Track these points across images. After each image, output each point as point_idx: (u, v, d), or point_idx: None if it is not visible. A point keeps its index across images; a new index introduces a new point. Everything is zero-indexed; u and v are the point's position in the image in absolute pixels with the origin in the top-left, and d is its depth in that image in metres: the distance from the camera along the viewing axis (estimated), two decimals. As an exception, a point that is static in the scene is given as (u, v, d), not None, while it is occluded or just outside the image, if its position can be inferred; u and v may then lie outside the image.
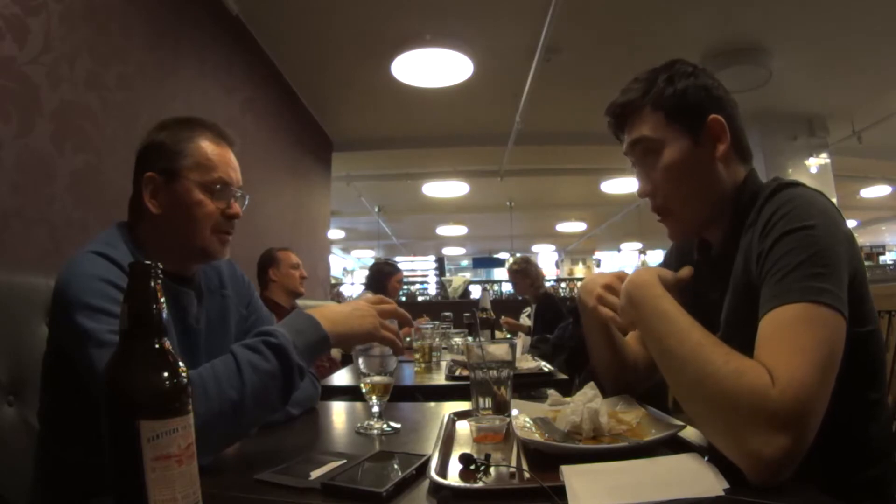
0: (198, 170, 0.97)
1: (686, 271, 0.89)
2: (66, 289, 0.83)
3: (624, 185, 6.53)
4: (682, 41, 3.59)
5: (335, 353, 3.17)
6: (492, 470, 0.69)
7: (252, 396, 0.79)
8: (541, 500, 0.60)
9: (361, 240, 11.09)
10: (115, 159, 1.97)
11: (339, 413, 1.25)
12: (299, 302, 2.91)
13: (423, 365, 2.09)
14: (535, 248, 13.17)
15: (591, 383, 0.88)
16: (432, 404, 1.30)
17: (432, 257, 13.92)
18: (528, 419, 0.86)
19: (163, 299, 0.51)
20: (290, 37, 3.52)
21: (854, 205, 8.21)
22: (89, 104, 1.90)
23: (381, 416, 1.00)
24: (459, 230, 10.23)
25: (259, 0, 3.06)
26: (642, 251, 12.39)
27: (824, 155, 5.09)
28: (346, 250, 13.04)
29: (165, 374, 0.49)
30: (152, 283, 0.51)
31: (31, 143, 1.64)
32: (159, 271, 0.52)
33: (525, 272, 4.07)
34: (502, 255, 13.21)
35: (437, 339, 2.24)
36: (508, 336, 3.47)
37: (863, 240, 11.96)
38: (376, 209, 8.40)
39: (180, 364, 0.51)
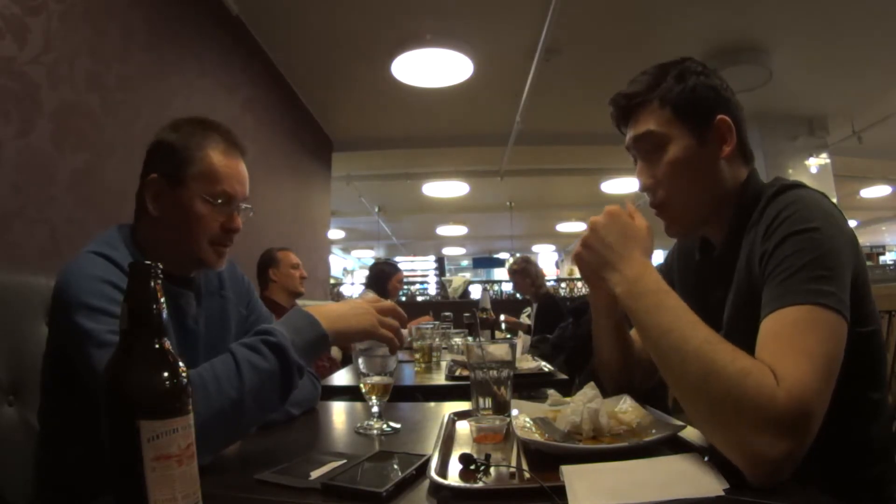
0: (203, 180, 0.96)
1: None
2: (65, 289, 0.83)
3: (624, 185, 6.52)
4: (682, 41, 3.59)
5: (335, 353, 3.17)
6: (492, 470, 0.69)
7: (252, 396, 0.79)
8: (541, 501, 0.59)
9: (361, 240, 11.08)
10: (115, 159, 1.97)
11: (339, 413, 1.25)
12: (299, 302, 2.91)
13: (423, 365, 2.09)
14: (535, 248, 13.16)
15: (592, 383, 0.88)
16: (432, 404, 1.30)
17: (432, 257, 13.91)
18: (528, 419, 0.86)
19: (163, 299, 0.51)
20: (290, 37, 3.52)
21: (854, 205, 8.21)
22: (89, 104, 1.90)
23: (381, 416, 0.99)
24: (459, 230, 10.23)
25: (259, 0, 3.06)
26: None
27: (824, 155, 5.09)
28: (346, 250, 13.03)
29: (165, 373, 0.49)
30: (152, 283, 0.51)
31: (31, 143, 1.64)
32: (159, 271, 0.52)
33: (525, 272, 4.07)
34: (502, 256, 13.20)
35: (437, 339, 2.24)
36: (508, 336, 3.47)
37: (863, 240, 11.92)
38: (376, 209, 8.40)
39: (180, 364, 0.51)
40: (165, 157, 0.97)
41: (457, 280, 9.36)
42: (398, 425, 0.99)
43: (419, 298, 10.66)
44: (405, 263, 12.41)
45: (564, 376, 1.86)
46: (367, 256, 13.07)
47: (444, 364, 2.03)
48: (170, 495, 0.47)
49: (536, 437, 0.78)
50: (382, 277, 3.64)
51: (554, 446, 0.74)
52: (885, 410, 0.85)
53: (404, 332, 1.01)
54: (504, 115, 4.54)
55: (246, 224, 1.04)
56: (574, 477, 0.62)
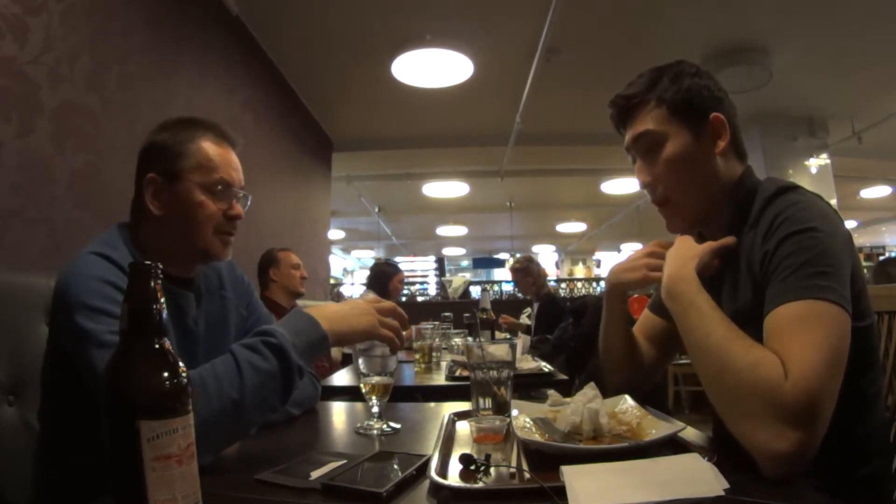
0: (199, 171, 0.97)
1: (730, 239, 0.89)
2: (66, 289, 0.83)
3: (624, 185, 6.52)
4: (682, 41, 3.60)
5: (335, 353, 3.17)
6: (492, 470, 0.69)
7: (252, 396, 0.79)
8: (541, 501, 0.59)
9: (361, 240, 11.08)
10: (115, 159, 1.96)
11: (339, 413, 1.25)
12: (299, 302, 2.92)
13: (423, 365, 2.09)
14: (536, 248, 13.15)
15: (592, 383, 0.88)
16: (432, 404, 1.30)
17: (432, 257, 13.90)
18: (528, 419, 0.86)
19: (163, 299, 0.51)
20: (290, 37, 3.52)
21: (854, 205, 8.20)
22: (89, 104, 1.90)
23: (381, 416, 1.00)
24: (459, 230, 10.22)
25: (259, 0, 3.06)
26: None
27: (824, 155, 5.09)
28: (347, 250, 13.03)
29: (165, 374, 0.49)
30: (152, 284, 0.51)
31: (32, 143, 1.64)
32: (159, 271, 0.52)
33: (527, 271, 4.07)
34: (502, 256, 13.20)
35: (437, 340, 2.24)
36: (508, 336, 3.47)
37: (863, 240, 11.94)
38: (376, 209, 8.39)
39: (180, 364, 0.51)
40: (159, 156, 0.98)
41: (457, 280, 9.37)
42: (398, 425, 0.99)
43: (419, 299, 10.66)
44: (405, 264, 12.40)
45: (564, 376, 1.86)
46: (368, 257, 13.07)
47: (443, 364, 2.03)
48: (170, 495, 0.47)
49: (536, 437, 0.78)
50: (383, 278, 3.64)
51: (554, 447, 0.74)
52: (880, 407, 0.86)
53: (405, 333, 1.01)
54: (504, 115, 4.54)
55: (246, 224, 1.04)
56: (574, 477, 0.62)
